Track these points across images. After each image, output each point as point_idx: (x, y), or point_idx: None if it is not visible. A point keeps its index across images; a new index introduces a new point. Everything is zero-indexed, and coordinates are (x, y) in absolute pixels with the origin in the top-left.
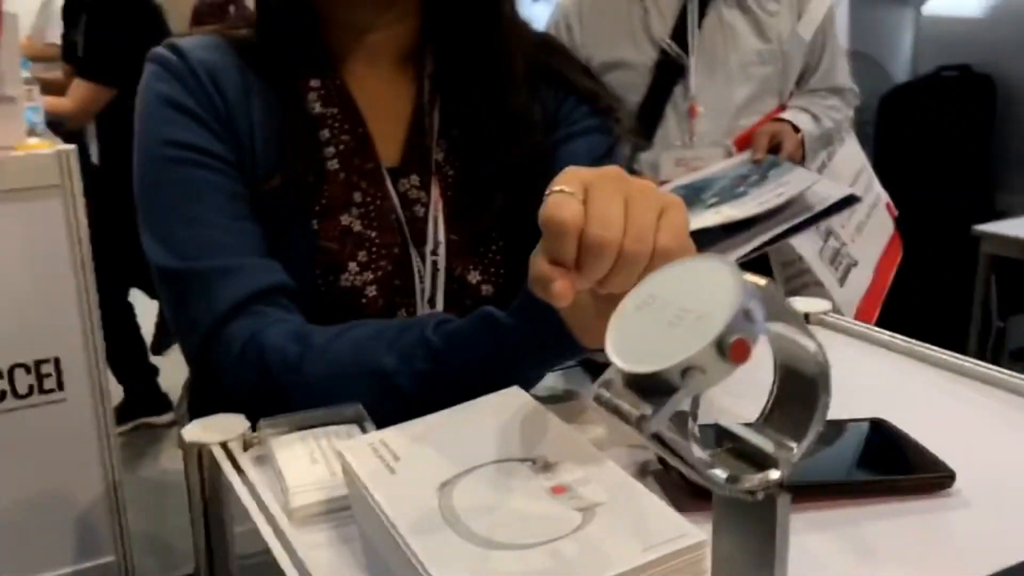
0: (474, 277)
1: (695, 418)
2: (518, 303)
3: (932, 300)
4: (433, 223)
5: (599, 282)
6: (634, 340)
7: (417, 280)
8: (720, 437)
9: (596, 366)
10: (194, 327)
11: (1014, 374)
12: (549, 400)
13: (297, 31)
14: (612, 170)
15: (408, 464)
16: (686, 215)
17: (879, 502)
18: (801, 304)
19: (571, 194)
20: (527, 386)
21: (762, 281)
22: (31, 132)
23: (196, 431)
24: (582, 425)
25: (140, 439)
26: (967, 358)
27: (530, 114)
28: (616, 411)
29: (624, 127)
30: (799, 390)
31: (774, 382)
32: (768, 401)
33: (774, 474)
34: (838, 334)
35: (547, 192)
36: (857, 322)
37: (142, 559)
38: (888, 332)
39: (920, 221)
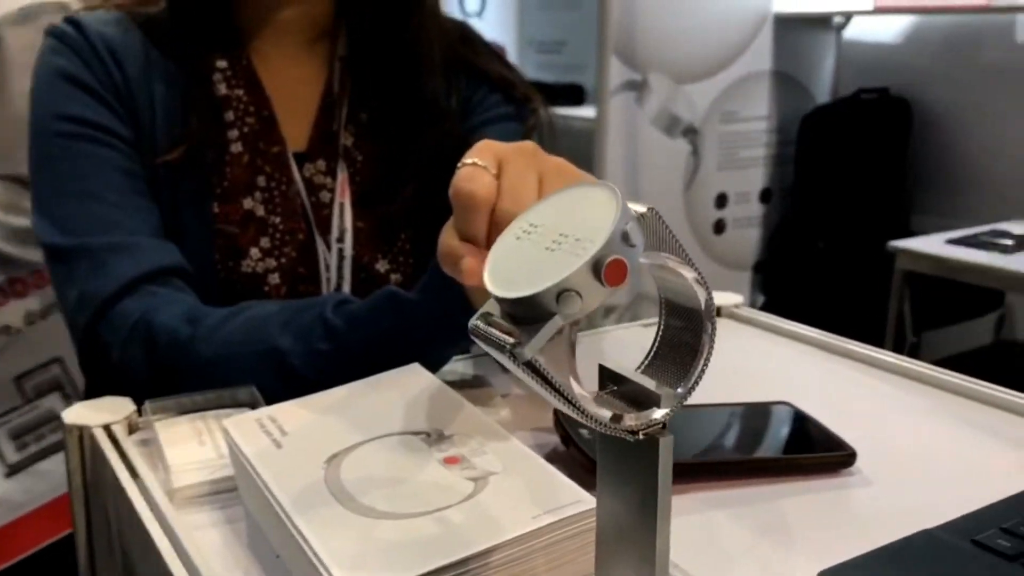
0: (382, 266)
1: (573, 352)
2: (424, 280)
3: (849, 315)
4: (339, 210)
5: None
6: (512, 267)
7: (323, 268)
8: (604, 379)
9: None
10: (83, 304)
11: (914, 361)
12: (455, 386)
13: (207, 5)
14: (527, 145)
15: (296, 439)
16: None
17: (784, 481)
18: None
19: (483, 167)
20: (431, 369)
21: (643, 208)
22: None
23: (78, 413)
24: (487, 410)
25: None
26: (870, 347)
27: (443, 102)
28: (489, 341)
29: (540, 117)
30: (684, 326)
31: (659, 320)
32: (653, 343)
33: (657, 413)
34: (748, 326)
35: (459, 164)
36: (767, 314)
37: None
38: (797, 323)
39: (838, 238)
